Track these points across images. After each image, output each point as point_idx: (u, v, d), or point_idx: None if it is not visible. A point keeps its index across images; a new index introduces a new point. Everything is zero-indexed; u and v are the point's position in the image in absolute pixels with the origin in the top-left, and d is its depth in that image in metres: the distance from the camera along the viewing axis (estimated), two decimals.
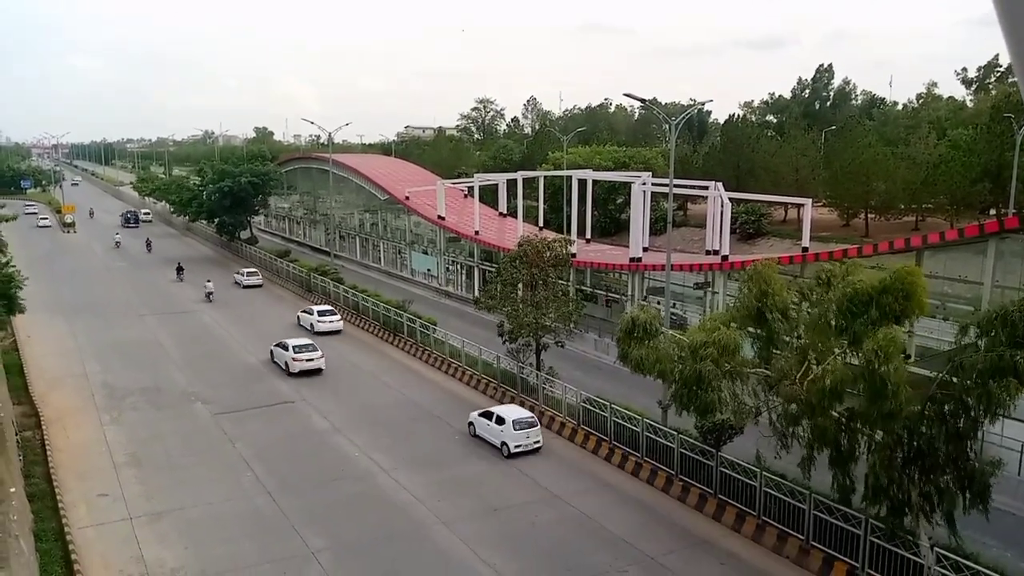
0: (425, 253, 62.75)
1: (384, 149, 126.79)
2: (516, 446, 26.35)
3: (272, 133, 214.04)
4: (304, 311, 45.72)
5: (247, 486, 24.27)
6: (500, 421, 27.05)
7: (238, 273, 60.98)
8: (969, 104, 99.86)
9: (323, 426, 29.68)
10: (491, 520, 22.16)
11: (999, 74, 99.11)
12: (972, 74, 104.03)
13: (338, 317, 44.72)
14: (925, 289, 16.63)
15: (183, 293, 56.19)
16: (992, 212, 60.52)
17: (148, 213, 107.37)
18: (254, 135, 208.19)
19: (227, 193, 70.46)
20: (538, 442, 26.86)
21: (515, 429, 26.47)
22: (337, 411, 31.18)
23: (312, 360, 36.05)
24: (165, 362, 38.27)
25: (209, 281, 54.93)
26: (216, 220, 74.80)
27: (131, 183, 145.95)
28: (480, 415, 28.13)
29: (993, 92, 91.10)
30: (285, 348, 36.70)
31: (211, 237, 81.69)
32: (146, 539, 20.77)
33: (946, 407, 15.58)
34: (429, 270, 61.72)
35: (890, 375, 14.97)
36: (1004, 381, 14.22)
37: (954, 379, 15.38)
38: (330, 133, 68.11)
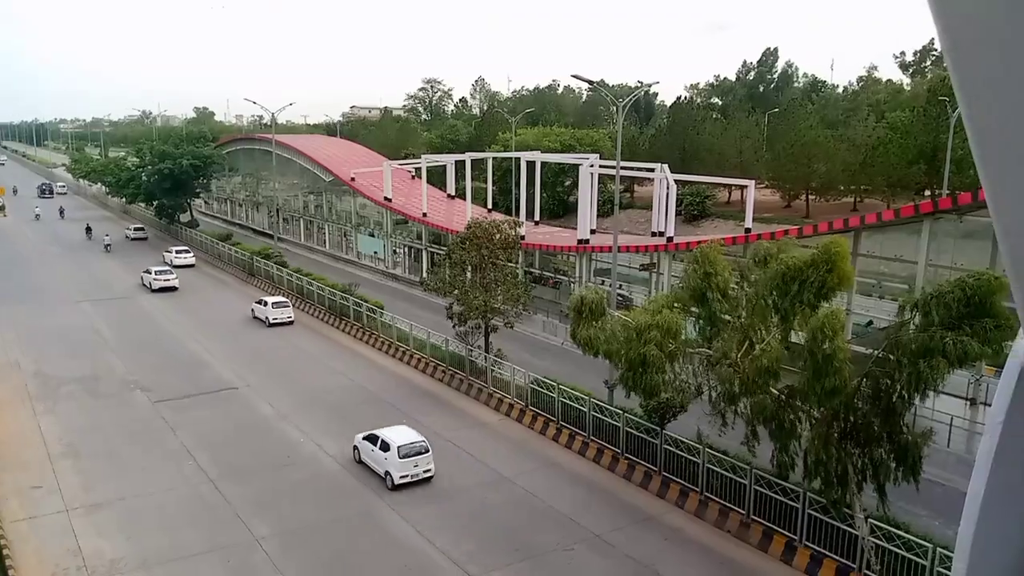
0: (371, 235, 62.06)
1: (329, 130, 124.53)
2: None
3: (213, 113, 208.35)
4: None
5: (189, 474, 23.79)
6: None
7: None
8: (907, 87, 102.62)
9: (268, 412, 29.24)
10: (441, 503, 22.15)
11: (935, 58, 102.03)
12: (909, 58, 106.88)
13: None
14: (848, 261, 17.06)
15: (120, 279, 54.56)
16: (927, 193, 62.47)
17: (63, 185, 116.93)
18: (194, 115, 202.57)
19: (167, 175, 68.55)
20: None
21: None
22: (283, 397, 30.74)
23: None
24: (103, 350, 37.16)
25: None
26: (155, 203, 72.69)
27: (64, 165, 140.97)
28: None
29: (929, 76, 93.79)
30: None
31: (149, 220, 79.48)
32: (84, 531, 20.21)
33: (880, 384, 16.07)
34: (376, 253, 61.10)
35: (835, 353, 15.36)
36: (933, 361, 14.70)
37: (890, 356, 15.86)
38: (273, 113, 66.69)
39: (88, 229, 72.69)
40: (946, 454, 22.95)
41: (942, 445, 22.64)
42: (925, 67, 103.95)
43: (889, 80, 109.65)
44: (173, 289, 49.33)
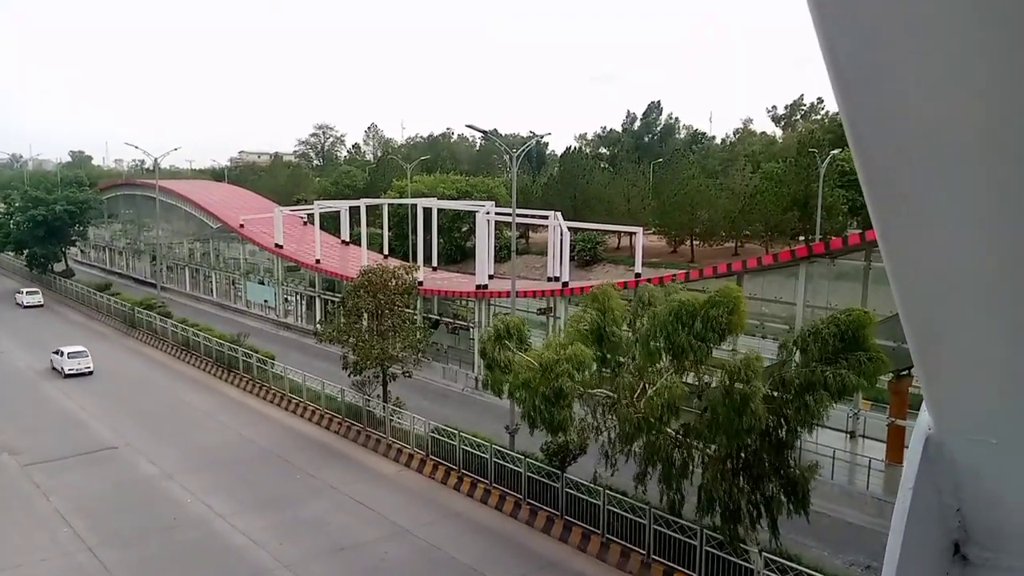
0: (262, 283, 60.24)
1: (216, 175, 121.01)
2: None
3: (91, 158, 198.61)
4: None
5: (64, 542, 22.02)
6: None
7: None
8: (779, 139, 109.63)
9: (152, 472, 27.55)
10: (338, 560, 21.37)
11: (803, 112, 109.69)
12: (781, 111, 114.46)
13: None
14: (745, 305, 17.90)
15: None
16: (801, 238, 66.49)
17: None
18: (70, 160, 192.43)
19: (40, 223, 64.68)
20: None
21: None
22: (167, 455, 29.05)
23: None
24: None
25: None
26: (26, 252, 68.31)
27: None
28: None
29: (799, 128, 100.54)
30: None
31: (19, 270, 74.44)
32: None
33: (769, 420, 16.79)
34: (266, 301, 59.25)
35: (754, 393, 15.96)
36: (817, 394, 15.54)
37: (775, 393, 16.64)
38: (156, 158, 64.18)
39: None
40: (831, 486, 24.08)
41: (827, 477, 23.77)
42: (795, 120, 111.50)
43: (763, 132, 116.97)
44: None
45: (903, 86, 0.93)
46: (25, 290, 63.54)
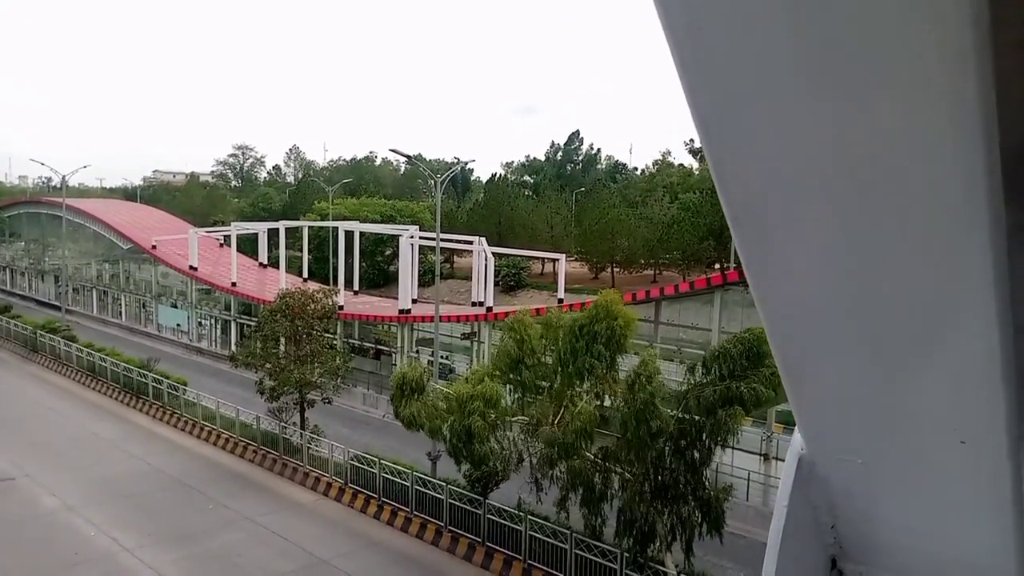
0: (174, 306, 58.21)
1: (128, 194, 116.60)
2: None
3: None
4: None
5: None
6: None
7: None
8: (696, 171, 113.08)
9: (53, 505, 26.07)
10: None
11: None
12: (697, 144, 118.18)
13: None
14: (623, 307, 18.34)
15: None
16: (717, 266, 68.63)
17: None
18: None
19: None
20: None
21: None
22: (70, 487, 27.55)
23: None
24: None
25: None
26: None
27: None
28: None
29: None
30: None
31: None
32: None
33: (683, 441, 17.23)
34: (179, 325, 57.25)
35: (655, 392, 16.33)
36: (731, 409, 16.05)
37: (685, 415, 17.12)
38: (64, 176, 61.44)
39: None
40: (746, 507, 24.71)
41: (742, 499, 24.41)
42: None
43: (681, 164, 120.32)
44: None
45: (753, 131, 1.02)
46: None
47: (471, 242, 48.48)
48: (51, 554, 22.47)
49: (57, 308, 60.25)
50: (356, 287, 56.53)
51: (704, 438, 16.98)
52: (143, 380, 38.54)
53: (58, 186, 64.85)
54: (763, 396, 16.14)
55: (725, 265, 62.55)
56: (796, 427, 1.54)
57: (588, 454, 17.90)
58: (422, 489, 24.95)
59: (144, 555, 22.47)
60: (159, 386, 37.50)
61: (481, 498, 23.03)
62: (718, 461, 21.61)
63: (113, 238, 64.09)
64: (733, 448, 23.38)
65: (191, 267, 55.49)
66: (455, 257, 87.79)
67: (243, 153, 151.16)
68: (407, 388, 20.57)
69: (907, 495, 1.50)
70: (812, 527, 1.61)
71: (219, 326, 54.43)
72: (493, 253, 45.90)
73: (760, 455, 28.90)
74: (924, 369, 1.26)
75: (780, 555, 1.53)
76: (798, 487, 1.54)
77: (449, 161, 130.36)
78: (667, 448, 17.29)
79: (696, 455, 17.21)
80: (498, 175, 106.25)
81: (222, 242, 64.44)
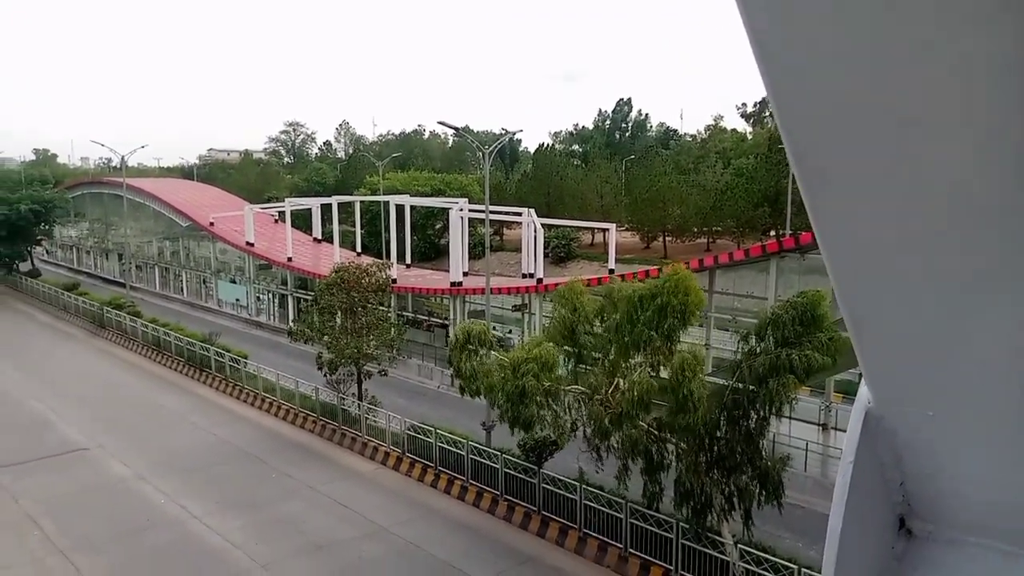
0: (233, 282, 59.63)
1: (184, 173, 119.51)
2: None
3: (55, 156, 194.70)
4: None
5: (35, 546, 21.68)
6: None
7: None
8: (749, 136, 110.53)
9: (124, 473, 27.21)
10: (315, 559, 21.29)
11: None
12: (751, 109, 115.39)
13: None
14: (695, 283, 17.94)
15: None
16: (772, 233, 67.22)
17: None
18: (34, 158, 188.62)
19: (2, 222, 63.51)
20: None
21: None
22: (139, 456, 28.71)
23: None
24: None
25: None
26: None
27: None
28: None
29: (769, 125, 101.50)
30: None
31: None
32: None
33: (736, 411, 17.01)
34: (238, 300, 58.68)
35: (693, 391, 16.13)
36: (783, 379, 15.73)
37: (740, 384, 16.86)
38: (123, 156, 63.09)
39: None
40: (804, 478, 24.45)
41: (800, 470, 24.13)
42: (764, 117, 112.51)
43: (734, 129, 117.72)
44: None
45: (819, 58, 0.96)
46: None
47: (520, 214, 48.39)
48: (125, 520, 23.50)
49: (122, 285, 62.31)
50: (408, 260, 57.05)
51: (758, 408, 16.72)
52: (205, 353, 39.75)
53: (118, 167, 66.70)
54: (816, 363, 15.69)
55: (781, 232, 61.18)
56: (861, 379, 1.47)
57: (642, 424, 17.82)
58: (477, 458, 25.27)
59: (211, 521, 23.32)
60: (221, 359, 38.62)
61: (536, 467, 23.22)
62: (775, 432, 21.35)
63: (172, 216, 65.79)
64: (790, 418, 23.06)
65: (248, 243, 56.68)
66: (505, 229, 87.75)
67: (294, 130, 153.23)
68: (471, 342, 20.56)
69: (980, 449, 1.43)
70: (879, 484, 1.53)
71: (276, 300, 55.62)
72: (542, 224, 45.74)
73: (818, 425, 28.48)
74: (996, 313, 1.19)
75: (846, 514, 1.45)
76: (864, 442, 1.46)
77: (496, 132, 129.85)
78: (721, 418, 17.11)
79: (751, 425, 16.99)
80: (546, 145, 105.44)
81: (276, 218, 65.58)
